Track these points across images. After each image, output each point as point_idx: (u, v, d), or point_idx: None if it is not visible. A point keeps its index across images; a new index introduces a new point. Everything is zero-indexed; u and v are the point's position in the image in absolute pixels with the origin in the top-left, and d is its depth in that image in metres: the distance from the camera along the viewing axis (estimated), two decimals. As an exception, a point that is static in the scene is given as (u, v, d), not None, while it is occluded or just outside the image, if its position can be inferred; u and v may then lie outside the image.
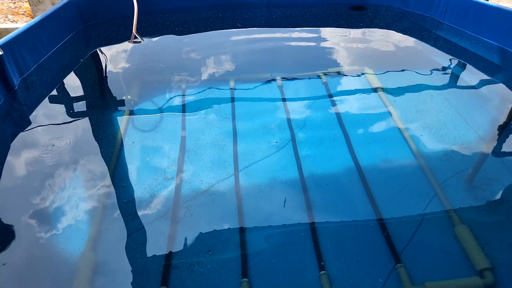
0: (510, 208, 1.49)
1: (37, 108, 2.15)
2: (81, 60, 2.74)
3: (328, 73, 2.51)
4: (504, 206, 1.50)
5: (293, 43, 3.00)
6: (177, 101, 2.24)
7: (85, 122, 2.06)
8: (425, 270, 1.28)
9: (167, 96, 2.30)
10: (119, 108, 2.19)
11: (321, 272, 1.27)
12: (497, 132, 1.94)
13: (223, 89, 2.36)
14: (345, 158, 1.78)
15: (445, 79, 2.44)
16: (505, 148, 1.83)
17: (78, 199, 1.56)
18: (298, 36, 3.13)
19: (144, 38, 3.03)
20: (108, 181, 1.66)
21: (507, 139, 1.89)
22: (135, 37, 2.95)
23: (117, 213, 1.52)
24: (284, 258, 1.33)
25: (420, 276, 1.26)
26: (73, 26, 3.08)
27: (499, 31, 2.74)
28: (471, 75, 2.49)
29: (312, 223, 1.45)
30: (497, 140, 1.88)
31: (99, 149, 1.85)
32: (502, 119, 2.01)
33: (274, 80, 2.45)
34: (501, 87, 2.37)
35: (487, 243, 1.35)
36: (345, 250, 1.35)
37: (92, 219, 1.47)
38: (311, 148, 1.84)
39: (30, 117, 2.06)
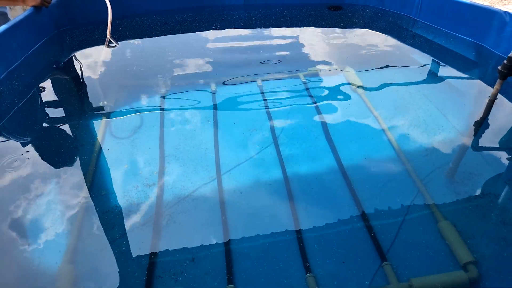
0: (491, 202, 1.51)
1: (8, 117, 2.06)
2: (54, 66, 2.66)
3: (309, 73, 2.51)
4: (485, 199, 1.52)
5: (273, 44, 2.99)
6: (157, 106, 2.19)
7: (60, 130, 2.00)
8: (411, 267, 1.28)
9: (146, 100, 2.25)
10: (96, 114, 2.13)
11: (308, 274, 1.25)
12: (475, 126, 1.96)
13: (203, 92, 2.33)
14: (328, 158, 1.77)
15: (423, 75, 2.47)
16: (484, 142, 1.86)
17: (54, 210, 1.50)
18: (277, 37, 3.12)
19: (119, 42, 2.96)
20: (85, 190, 1.60)
21: (484, 134, 1.92)
22: (110, 42, 2.89)
23: (97, 223, 1.46)
24: (269, 262, 1.31)
25: (406, 273, 1.26)
26: (46, 32, 2.99)
27: (474, 27, 2.80)
28: (448, 71, 2.53)
29: (297, 225, 1.43)
30: (476, 134, 1.91)
31: (75, 157, 1.79)
32: (480, 113, 2.04)
33: (255, 81, 2.43)
34: (477, 82, 2.42)
35: (470, 238, 1.36)
36: (331, 251, 1.33)
37: (70, 230, 1.42)
38: (294, 149, 1.82)
39: (0, 126, 1.98)
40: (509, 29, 2.49)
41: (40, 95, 2.29)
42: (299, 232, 1.41)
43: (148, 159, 1.77)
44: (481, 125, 1.97)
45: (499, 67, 1.93)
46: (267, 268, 1.29)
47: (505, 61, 1.90)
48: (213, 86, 2.37)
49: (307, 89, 2.34)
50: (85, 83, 2.46)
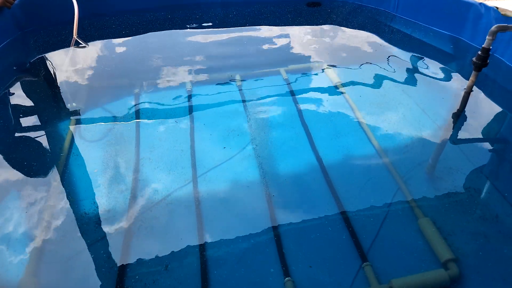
0: (470, 197, 1.49)
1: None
2: (15, 68, 2.55)
3: (288, 70, 2.47)
4: (465, 195, 1.50)
5: (251, 42, 2.93)
6: (130, 107, 2.11)
7: (26, 135, 1.90)
8: (392, 267, 1.25)
9: (118, 102, 2.17)
10: (64, 117, 2.04)
11: (286, 278, 1.20)
12: (453, 120, 1.95)
13: (179, 92, 2.25)
14: (308, 156, 1.73)
15: (402, 70, 2.45)
16: (462, 135, 1.85)
17: (18, 218, 1.42)
18: (256, 35, 3.06)
19: (88, 43, 2.85)
20: (53, 196, 1.52)
21: (462, 127, 1.91)
22: (78, 42, 2.78)
23: (64, 231, 1.39)
24: (247, 266, 1.26)
25: (387, 273, 1.22)
26: (8, 34, 2.85)
27: (451, 21, 2.80)
28: (426, 65, 2.52)
29: (276, 227, 1.39)
30: (454, 128, 1.90)
31: (42, 162, 1.70)
32: (457, 107, 2.03)
33: (233, 80, 2.37)
34: (455, 75, 2.41)
35: (450, 234, 1.33)
36: (310, 253, 1.29)
37: (34, 240, 1.34)
38: (273, 148, 1.77)
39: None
40: (485, 21, 2.50)
41: (3, 100, 2.18)
42: (277, 235, 1.36)
43: (121, 162, 1.70)
44: (458, 119, 1.96)
45: (474, 59, 1.91)
46: (244, 273, 1.24)
47: (479, 52, 1.89)
48: (188, 86, 2.30)
49: (287, 86, 2.30)
50: (51, 86, 2.36)
